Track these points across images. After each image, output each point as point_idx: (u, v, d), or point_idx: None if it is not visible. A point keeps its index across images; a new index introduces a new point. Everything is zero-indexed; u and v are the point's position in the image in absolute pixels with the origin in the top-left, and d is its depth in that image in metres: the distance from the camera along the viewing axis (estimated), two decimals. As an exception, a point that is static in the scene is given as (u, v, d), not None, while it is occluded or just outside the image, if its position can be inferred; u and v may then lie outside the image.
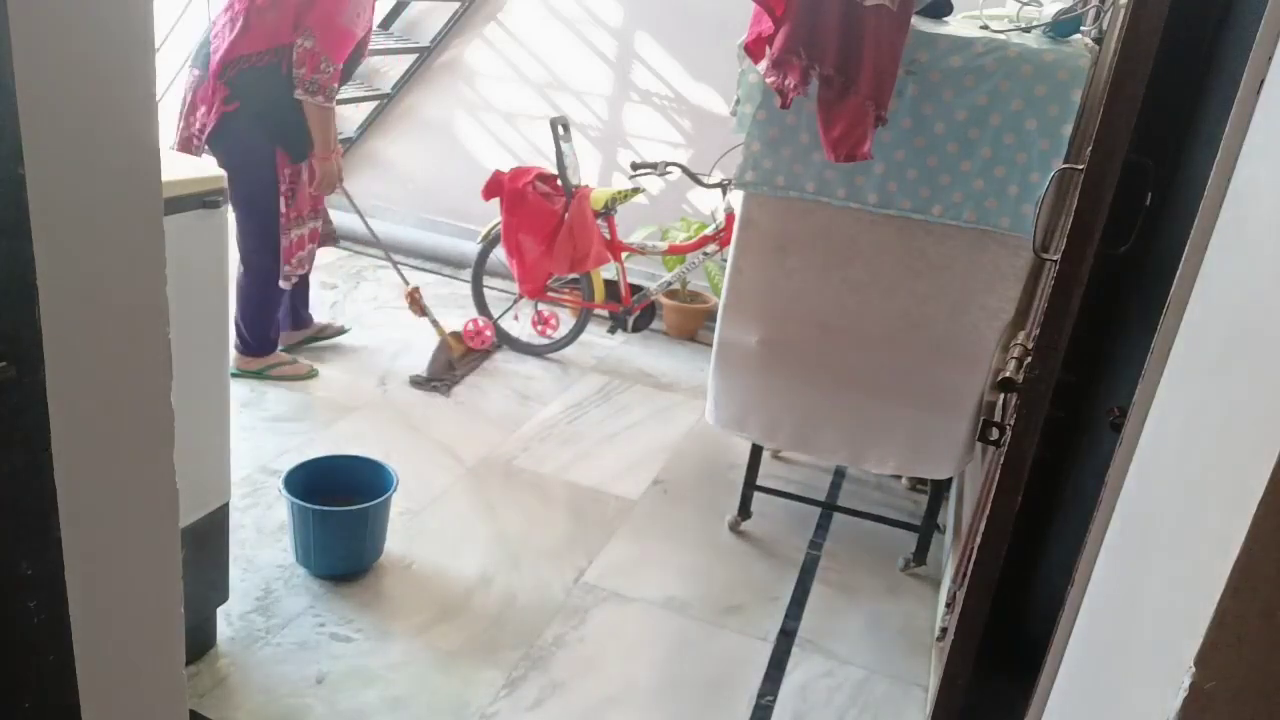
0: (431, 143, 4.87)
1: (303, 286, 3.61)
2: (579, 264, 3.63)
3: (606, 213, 3.71)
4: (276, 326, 3.45)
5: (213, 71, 3.02)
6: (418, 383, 3.55)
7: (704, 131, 4.39)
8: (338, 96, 3.57)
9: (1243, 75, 0.99)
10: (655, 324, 4.23)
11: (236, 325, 3.33)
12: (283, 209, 3.18)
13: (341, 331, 3.80)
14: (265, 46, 3.00)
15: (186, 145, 3.11)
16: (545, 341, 4.01)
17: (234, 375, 3.32)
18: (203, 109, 3.06)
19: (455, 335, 3.76)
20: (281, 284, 3.31)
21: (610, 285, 3.90)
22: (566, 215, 3.61)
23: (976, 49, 2.20)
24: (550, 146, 3.75)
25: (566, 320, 4.10)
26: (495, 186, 3.67)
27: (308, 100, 3.02)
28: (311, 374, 3.50)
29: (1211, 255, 0.99)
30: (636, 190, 3.86)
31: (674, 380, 3.92)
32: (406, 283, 3.71)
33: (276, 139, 3.10)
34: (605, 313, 3.94)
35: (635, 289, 3.89)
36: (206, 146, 3.09)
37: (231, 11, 3.02)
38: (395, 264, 3.81)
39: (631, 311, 3.86)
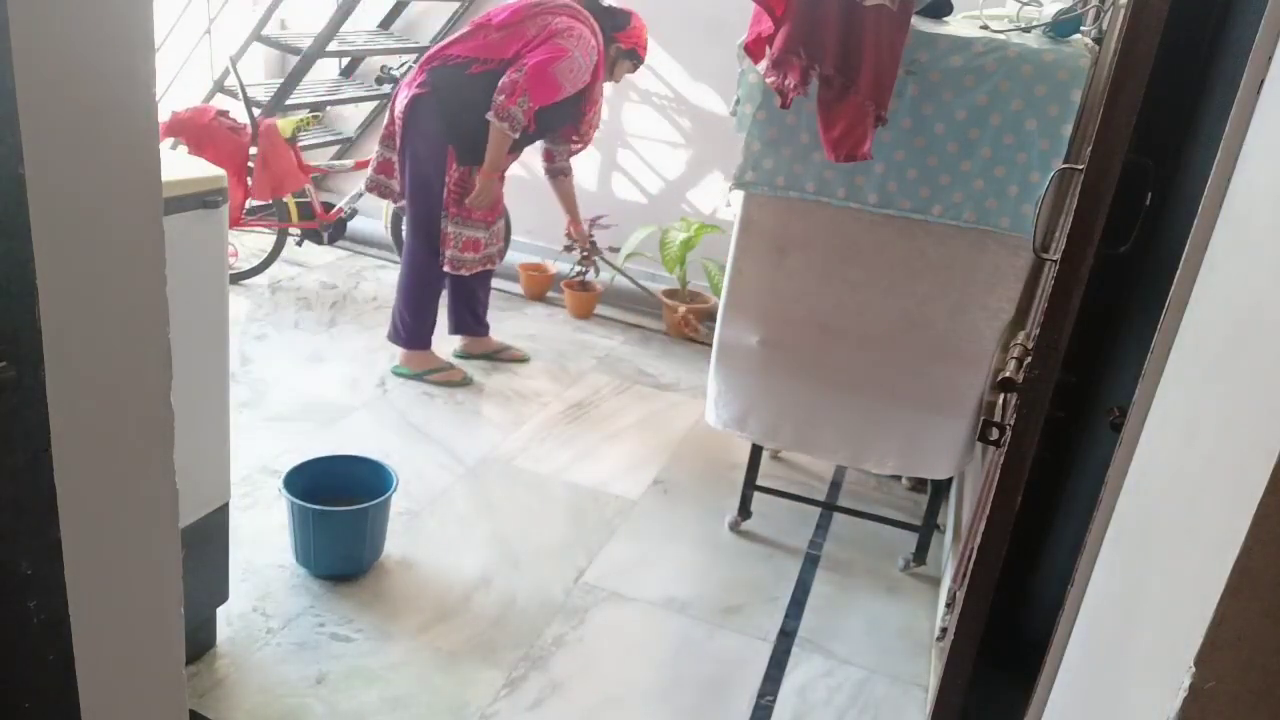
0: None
1: (469, 294, 3.70)
2: (278, 189, 3.96)
3: (293, 140, 4.02)
4: (431, 324, 3.58)
5: (420, 63, 3.32)
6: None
7: (704, 131, 4.39)
8: (344, 95, 3.68)
9: (1243, 75, 0.99)
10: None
11: (393, 315, 3.56)
12: (445, 201, 3.36)
13: (522, 359, 3.88)
14: (474, 55, 3.24)
15: (393, 125, 3.37)
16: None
17: (396, 372, 3.57)
18: (403, 93, 3.31)
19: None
20: (446, 267, 3.42)
21: (302, 205, 4.25)
22: (255, 147, 3.89)
23: (976, 49, 2.20)
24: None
25: (247, 249, 4.36)
26: (176, 127, 3.74)
27: (495, 123, 3.21)
28: (466, 381, 3.60)
29: (1211, 255, 0.99)
30: (317, 117, 4.26)
31: (674, 380, 3.92)
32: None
33: (452, 136, 3.28)
34: (298, 231, 4.33)
35: (328, 206, 4.28)
36: (400, 126, 3.34)
37: (470, 25, 3.35)
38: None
39: (329, 226, 4.22)
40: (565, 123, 3.49)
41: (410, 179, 3.38)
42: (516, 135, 3.25)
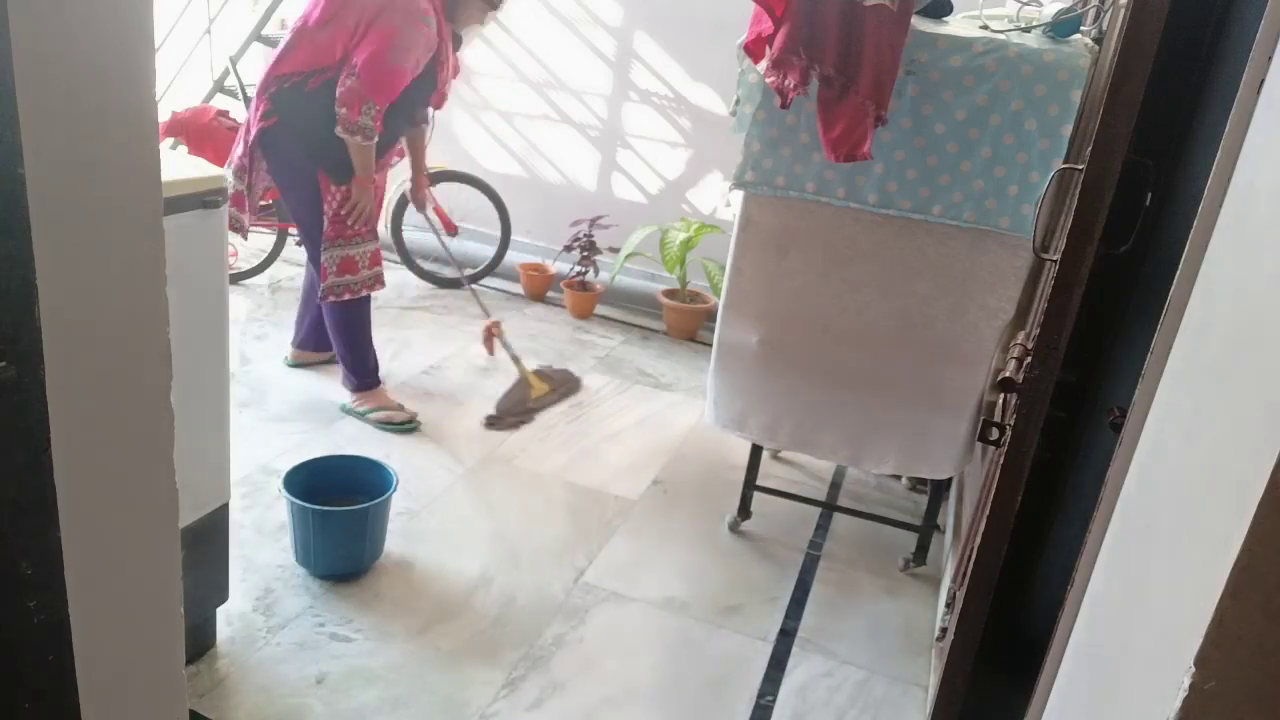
0: (430, 142, 4.87)
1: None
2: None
3: None
4: (373, 359, 3.30)
5: (258, 88, 3.02)
6: (492, 422, 3.35)
7: (704, 131, 4.39)
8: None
9: (1243, 75, 0.99)
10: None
11: (339, 360, 3.31)
12: (325, 227, 3.06)
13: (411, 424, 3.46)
14: (306, 68, 2.94)
15: (243, 163, 3.08)
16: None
17: (343, 409, 3.28)
18: (253, 126, 3.06)
19: (538, 374, 3.57)
20: (323, 299, 3.15)
21: None
22: None
23: (976, 49, 2.20)
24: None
25: (247, 249, 4.34)
26: (176, 127, 3.69)
27: (348, 139, 2.93)
28: (412, 426, 3.26)
29: (1211, 255, 0.99)
30: None
31: (674, 380, 3.92)
32: (487, 315, 3.52)
33: (317, 160, 3.01)
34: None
35: None
36: (260, 158, 3.08)
37: (291, 32, 3.04)
38: (476, 294, 3.71)
39: None
40: (426, 96, 3.18)
41: (292, 213, 3.17)
42: (373, 141, 2.97)
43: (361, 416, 3.26)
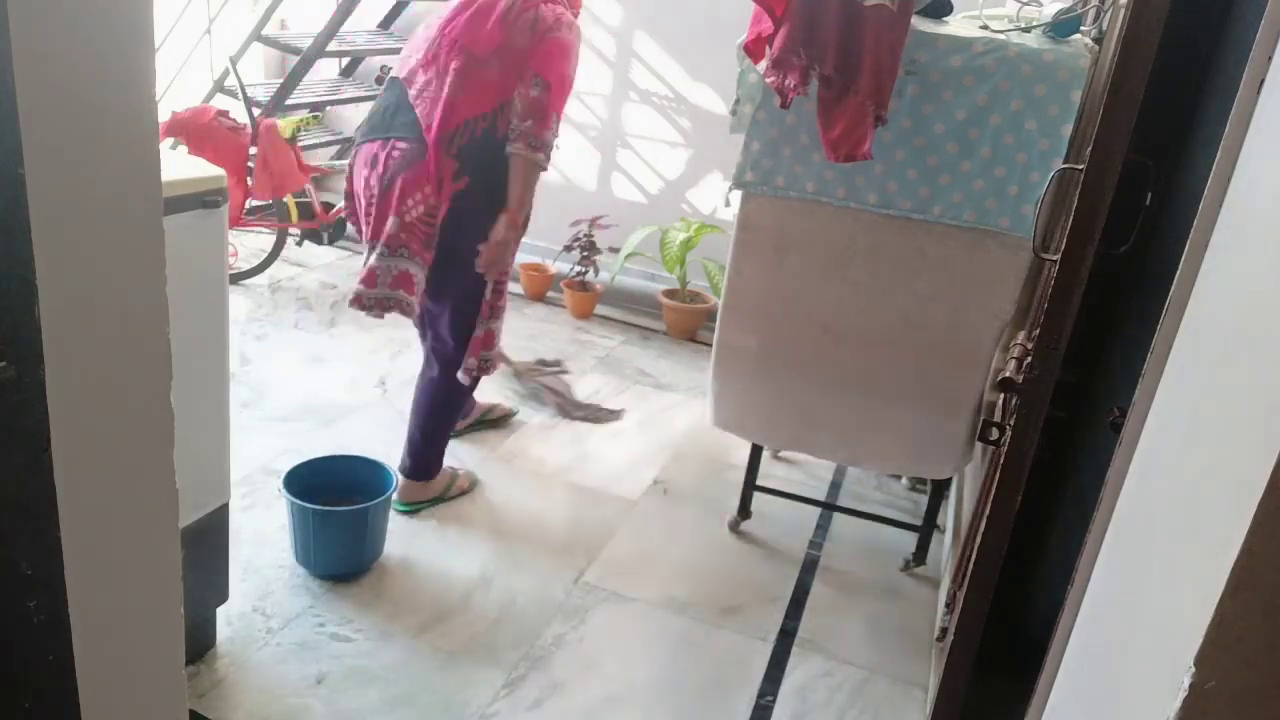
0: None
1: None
2: (279, 189, 3.91)
3: (293, 140, 4.01)
4: (444, 443, 2.90)
5: (433, 143, 2.47)
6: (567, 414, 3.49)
7: (704, 131, 4.39)
8: (344, 95, 3.46)
9: (1243, 75, 0.99)
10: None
11: (411, 443, 2.81)
12: (487, 296, 2.68)
13: (510, 415, 3.40)
14: (490, 106, 2.49)
15: (408, 232, 2.51)
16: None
17: (400, 510, 2.77)
18: (423, 190, 2.49)
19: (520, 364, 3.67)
20: (460, 376, 2.75)
21: (303, 205, 4.25)
22: (255, 147, 3.82)
23: (976, 49, 2.20)
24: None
25: (247, 249, 4.41)
26: (176, 127, 3.71)
27: (528, 155, 2.47)
28: (474, 484, 2.98)
29: (1211, 255, 0.99)
30: (317, 117, 4.31)
31: (674, 380, 3.92)
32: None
33: (497, 216, 2.57)
34: (298, 231, 4.33)
35: (328, 205, 4.30)
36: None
37: (437, 67, 2.52)
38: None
39: (329, 226, 4.24)
40: None
41: (455, 284, 2.65)
42: (548, 167, 2.56)
43: (434, 503, 2.85)
